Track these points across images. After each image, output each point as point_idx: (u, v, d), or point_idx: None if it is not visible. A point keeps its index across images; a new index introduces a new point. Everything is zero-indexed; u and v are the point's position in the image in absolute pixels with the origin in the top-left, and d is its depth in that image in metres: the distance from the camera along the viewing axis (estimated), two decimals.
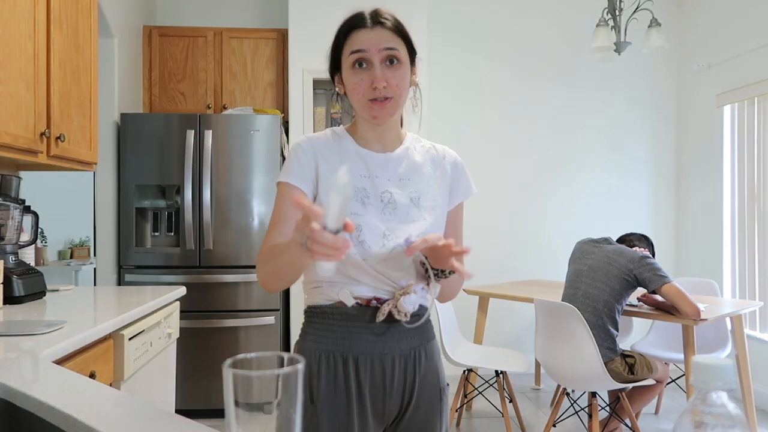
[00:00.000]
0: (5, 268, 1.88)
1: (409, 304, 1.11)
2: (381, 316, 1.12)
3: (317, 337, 1.16)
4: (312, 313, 1.18)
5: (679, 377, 3.61)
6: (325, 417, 1.11)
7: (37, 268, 2.07)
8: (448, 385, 1.28)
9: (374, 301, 1.14)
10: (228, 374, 0.59)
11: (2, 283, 1.82)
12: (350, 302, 1.12)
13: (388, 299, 1.14)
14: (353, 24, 1.14)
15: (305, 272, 1.20)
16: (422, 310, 1.21)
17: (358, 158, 1.19)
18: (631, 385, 2.62)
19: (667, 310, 2.63)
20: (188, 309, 3.25)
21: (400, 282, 1.14)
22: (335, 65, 1.20)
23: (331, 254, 0.83)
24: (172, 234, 3.43)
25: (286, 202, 1.15)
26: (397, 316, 1.13)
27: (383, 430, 1.18)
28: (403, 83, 1.14)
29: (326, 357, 1.13)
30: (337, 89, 1.21)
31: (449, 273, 1.12)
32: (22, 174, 2.26)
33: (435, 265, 1.11)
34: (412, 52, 1.17)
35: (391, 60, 1.12)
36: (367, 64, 1.12)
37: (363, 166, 1.18)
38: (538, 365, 3.96)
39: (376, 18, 1.13)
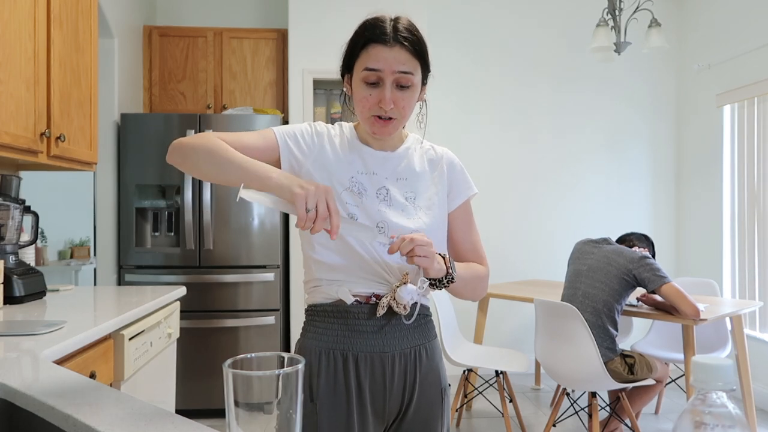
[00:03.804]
0: (5, 268, 1.88)
1: (407, 295, 1.10)
2: (381, 310, 1.12)
3: (318, 335, 1.16)
4: (312, 311, 1.19)
5: (679, 377, 3.61)
6: (325, 415, 1.11)
7: (37, 268, 2.07)
8: (449, 385, 1.27)
9: (373, 298, 1.14)
10: (228, 374, 0.60)
11: (2, 283, 1.82)
12: (349, 300, 1.12)
13: (386, 294, 1.14)
14: (372, 37, 1.11)
15: (305, 272, 1.21)
16: (423, 309, 1.21)
17: (357, 154, 1.20)
18: (631, 385, 2.62)
19: (667, 310, 2.63)
20: (188, 309, 3.26)
21: (395, 273, 1.13)
22: (347, 67, 1.18)
23: (311, 225, 0.95)
24: (172, 234, 3.43)
25: (261, 144, 1.16)
26: (396, 309, 1.11)
27: (384, 429, 1.18)
28: (410, 105, 1.14)
29: (326, 355, 1.13)
30: (344, 89, 1.22)
31: (445, 283, 1.12)
32: (22, 174, 2.26)
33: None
34: (426, 70, 1.17)
35: (403, 84, 1.11)
36: (378, 81, 1.11)
37: (361, 162, 1.19)
38: (538, 365, 3.96)
39: (396, 35, 1.10)
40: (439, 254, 1.13)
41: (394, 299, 1.11)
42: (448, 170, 1.26)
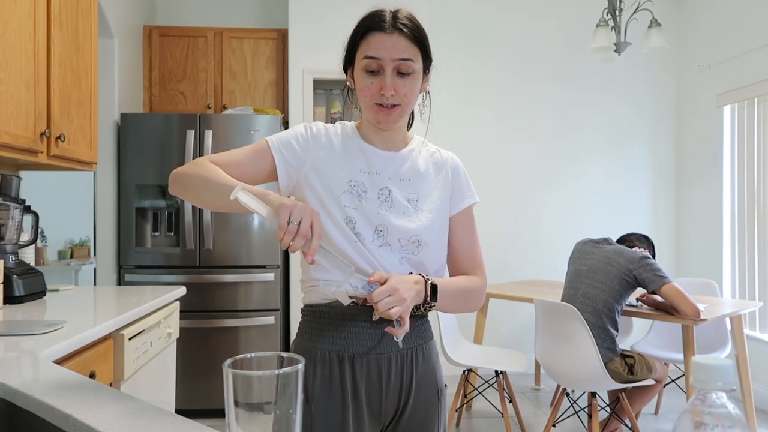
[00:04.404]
0: (5, 268, 1.88)
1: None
2: (376, 315, 1.11)
3: (313, 336, 1.15)
4: (309, 311, 1.18)
5: (679, 377, 3.61)
6: (320, 417, 1.11)
7: (37, 268, 2.07)
8: (446, 385, 1.26)
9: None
10: (228, 374, 0.60)
11: (2, 283, 1.82)
12: (346, 302, 1.11)
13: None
14: (371, 25, 1.12)
15: (302, 271, 1.20)
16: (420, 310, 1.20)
17: (361, 153, 1.19)
18: (631, 385, 2.62)
19: (667, 310, 2.63)
20: (188, 309, 3.25)
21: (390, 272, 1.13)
22: (349, 60, 1.18)
23: (292, 243, 0.93)
24: (172, 234, 3.43)
25: (256, 158, 1.16)
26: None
27: (380, 430, 1.17)
28: (412, 92, 1.14)
29: (322, 356, 1.13)
30: (348, 83, 1.21)
31: (422, 310, 1.13)
32: (22, 174, 2.26)
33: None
34: (427, 60, 1.17)
35: (403, 71, 1.11)
36: (379, 69, 1.11)
37: (364, 161, 1.18)
38: (538, 365, 3.96)
39: (395, 22, 1.11)
40: (421, 275, 1.12)
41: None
42: (452, 175, 1.25)
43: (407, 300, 1.04)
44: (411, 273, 1.14)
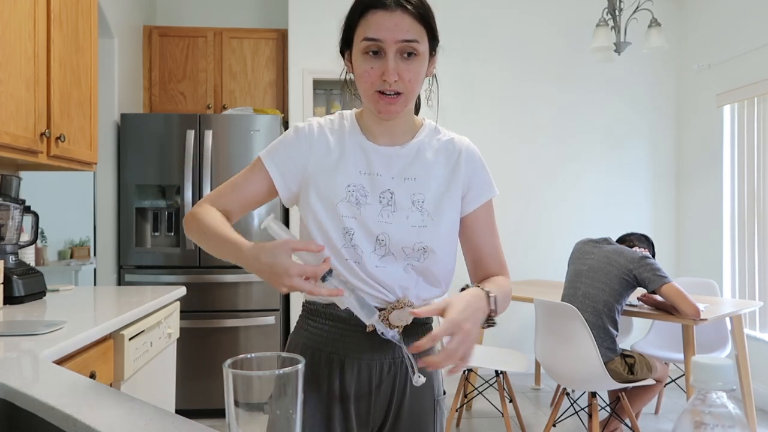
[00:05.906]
0: (5, 268, 1.88)
1: (400, 320, 1.05)
2: (370, 327, 1.02)
3: (308, 334, 1.12)
4: (307, 308, 1.15)
5: (679, 377, 3.61)
6: (307, 417, 1.06)
7: (37, 268, 2.07)
8: (445, 393, 1.18)
9: None
10: (228, 374, 0.60)
11: (2, 283, 1.82)
12: (343, 306, 1.01)
13: (380, 310, 1.05)
14: (371, 2, 0.99)
15: None
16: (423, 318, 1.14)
17: (361, 152, 1.09)
18: (631, 385, 2.62)
19: (667, 310, 2.63)
20: (188, 309, 3.25)
21: (394, 290, 1.07)
22: (346, 42, 1.07)
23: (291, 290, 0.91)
24: (172, 234, 3.43)
25: (252, 176, 1.13)
26: (382, 331, 1.00)
27: None
28: (416, 78, 1.03)
29: (313, 355, 1.09)
30: (345, 67, 1.10)
31: (483, 326, 1.03)
32: (22, 174, 2.26)
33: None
34: (433, 40, 1.06)
35: (407, 53, 1.00)
36: (380, 52, 1.00)
37: (364, 161, 1.08)
38: (538, 365, 3.96)
39: None
40: (480, 287, 1.01)
41: (387, 320, 1.05)
42: (467, 167, 1.13)
43: (471, 341, 0.98)
44: (467, 286, 1.03)
